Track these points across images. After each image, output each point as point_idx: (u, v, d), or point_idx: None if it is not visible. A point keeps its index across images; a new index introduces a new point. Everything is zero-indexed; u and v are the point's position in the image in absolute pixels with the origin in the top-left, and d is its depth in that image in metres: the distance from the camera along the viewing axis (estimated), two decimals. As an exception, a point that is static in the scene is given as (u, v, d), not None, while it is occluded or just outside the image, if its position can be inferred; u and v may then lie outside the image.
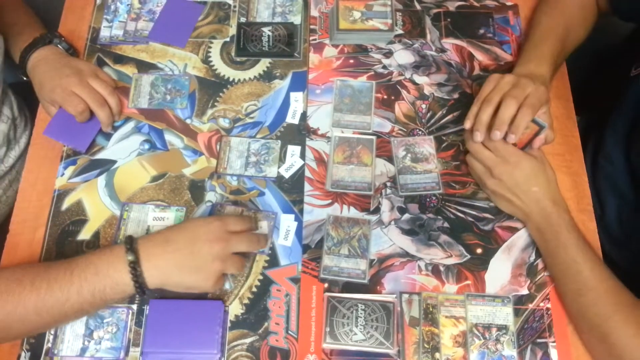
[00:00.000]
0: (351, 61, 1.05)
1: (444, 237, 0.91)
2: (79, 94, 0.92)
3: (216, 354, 0.81)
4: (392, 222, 0.92)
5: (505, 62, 1.04)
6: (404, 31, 1.08)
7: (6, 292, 0.71)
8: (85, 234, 0.90)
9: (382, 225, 0.91)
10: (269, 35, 1.06)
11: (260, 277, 0.88)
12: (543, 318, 0.85)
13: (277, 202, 0.93)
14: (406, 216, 0.92)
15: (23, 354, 0.82)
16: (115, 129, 0.99)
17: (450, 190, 0.94)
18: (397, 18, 1.08)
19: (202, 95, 1.02)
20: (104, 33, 1.07)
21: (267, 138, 0.98)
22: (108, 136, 0.98)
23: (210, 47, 1.06)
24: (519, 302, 0.86)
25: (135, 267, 0.74)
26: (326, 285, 0.87)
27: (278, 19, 1.09)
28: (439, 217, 0.92)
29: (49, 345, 0.83)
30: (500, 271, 0.88)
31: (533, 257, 0.89)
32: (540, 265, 0.88)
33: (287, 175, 0.95)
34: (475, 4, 1.11)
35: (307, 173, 0.95)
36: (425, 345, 0.83)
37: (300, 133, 0.98)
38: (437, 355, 0.82)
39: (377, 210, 0.92)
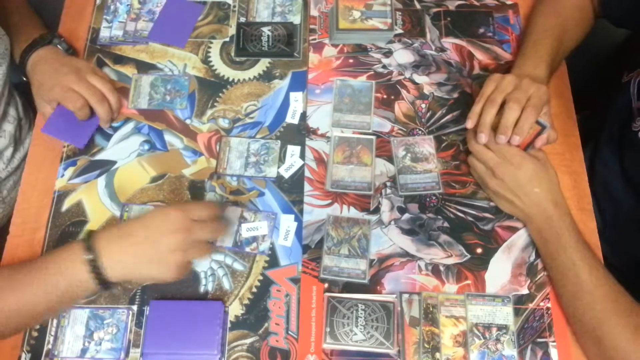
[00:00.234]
0: (351, 61, 1.05)
1: (444, 237, 0.91)
2: (77, 90, 0.92)
3: (216, 354, 0.81)
4: (392, 222, 0.91)
5: (505, 61, 1.04)
6: (403, 30, 1.07)
7: None
8: (85, 235, 0.90)
9: (382, 225, 0.91)
10: (268, 35, 1.06)
11: (260, 278, 0.88)
12: (543, 318, 0.85)
13: (277, 203, 0.93)
14: (406, 216, 0.92)
15: (23, 355, 0.83)
16: (115, 129, 0.99)
17: (450, 190, 0.94)
18: (396, 17, 1.08)
19: (202, 96, 1.02)
20: (104, 33, 1.07)
21: (266, 138, 0.98)
22: (108, 137, 0.98)
23: (209, 47, 1.06)
24: (519, 301, 0.86)
25: (95, 265, 0.73)
26: (326, 285, 0.87)
27: (278, 19, 1.09)
28: (439, 216, 0.92)
29: (50, 346, 0.83)
30: (500, 271, 0.88)
31: (533, 256, 0.89)
32: (540, 265, 0.88)
33: (286, 175, 0.95)
34: (475, 3, 1.11)
35: (307, 173, 0.95)
36: (426, 345, 0.83)
37: (300, 133, 0.98)
38: (437, 355, 0.82)
39: (377, 210, 0.92)
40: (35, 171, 0.96)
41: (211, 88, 1.02)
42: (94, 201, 0.93)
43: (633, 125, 0.89)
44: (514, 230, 0.91)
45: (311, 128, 0.99)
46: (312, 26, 1.08)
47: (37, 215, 0.92)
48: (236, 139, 0.98)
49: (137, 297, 0.86)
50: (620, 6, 0.94)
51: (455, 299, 0.86)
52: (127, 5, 1.10)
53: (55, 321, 0.84)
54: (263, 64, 1.05)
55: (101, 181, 0.95)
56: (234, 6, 1.10)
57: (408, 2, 1.10)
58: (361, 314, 0.84)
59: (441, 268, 0.88)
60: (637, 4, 0.90)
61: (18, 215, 0.92)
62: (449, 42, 1.07)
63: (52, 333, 0.84)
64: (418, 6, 1.10)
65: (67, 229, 0.91)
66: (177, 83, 1.03)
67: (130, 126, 0.99)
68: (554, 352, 0.83)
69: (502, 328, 0.84)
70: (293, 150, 0.97)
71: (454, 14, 1.09)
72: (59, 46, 1.00)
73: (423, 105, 1.01)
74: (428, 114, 1.00)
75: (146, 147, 0.97)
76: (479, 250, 0.90)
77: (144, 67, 1.04)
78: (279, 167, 0.95)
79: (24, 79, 0.99)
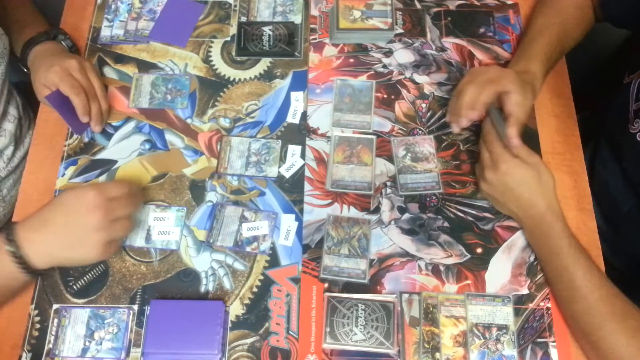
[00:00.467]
0: (351, 60, 1.05)
1: (444, 237, 0.91)
2: (76, 77, 0.92)
3: (217, 354, 0.81)
4: (392, 222, 0.92)
5: (506, 60, 1.04)
6: (404, 30, 1.07)
7: None
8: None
9: (382, 225, 0.91)
10: (269, 35, 1.06)
11: (261, 277, 0.88)
12: (543, 317, 0.85)
13: (278, 202, 0.93)
14: (406, 216, 0.92)
15: (24, 354, 0.83)
16: (115, 129, 0.99)
17: (450, 190, 0.94)
18: (397, 17, 1.08)
19: (203, 95, 1.02)
20: (105, 32, 1.07)
21: (267, 138, 0.98)
22: (109, 136, 0.98)
23: (210, 47, 1.06)
24: (519, 301, 0.86)
25: (18, 256, 0.74)
26: (326, 285, 0.87)
27: (278, 18, 1.09)
28: (439, 216, 0.92)
29: (50, 346, 0.83)
30: (500, 271, 0.88)
31: (533, 256, 0.89)
32: (540, 265, 0.89)
33: (287, 175, 0.95)
34: (476, 2, 1.11)
35: (307, 173, 0.95)
36: (426, 345, 0.83)
37: (301, 132, 0.98)
38: (437, 355, 0.82)
39: (377, 210, 0.92)
40: (36, 170, 0.96)
41: (212, 87, 1.03)
42: (95, 200, 0.93)
43: (631, 127, 0.89)
44: (514, 230, 0.91)
45: (312, 128, 0.99)
46: (312, 26, 1.08)
47: (38, 215, 0.92)
48: (237, 138, 0.98)
49: (138, 296, 0.87)
50: (619, 6, 0.94)
51: (455, 299, 0.86)
52: (128, 4, 1.10)
53: (56, 321, 0.85)
54: (264, 63, 1.05)
55: (102, 180, 0.95)
56: (235, 5, 1.10)
57: (408, 1, 1.10)
58: (361, 314, 0.84)
59: (441, 268, 0.89)
60: (636, 4, 0.90)
61: (19, 214, 0.92)
62: (449, 41, 1.07)
63: (53, 332, 0.84)
64: (418, 6, 1.10)
65: (67, 229, 0.91)
66: (178, 82, 1.03)
67: (131, 125, 0.99)
68: (554, 352, 0.83)
69: (502, 328, 0.84)
70: (294, 149, 0.97)
71: (454, 13, 1.09)
72: (62, 43, 1.00)
73: (423, 105, 1.01)
74: (428, 114, 1.00)
75: (147, 146, 0.98)
76: (479, 250, 0.90)
77: (145, 67, 1.04)
78: (279, 167, 0.96)
79: (25, 70, 0.98)
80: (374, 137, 0.98)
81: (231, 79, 1.03)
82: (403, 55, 1.05)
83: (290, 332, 0.84)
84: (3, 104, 0.99)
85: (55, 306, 0.86)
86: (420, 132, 0.99)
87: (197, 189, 0.94)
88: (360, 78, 1.03)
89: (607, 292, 0.78)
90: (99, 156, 0.97)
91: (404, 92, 1.02)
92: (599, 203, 0.99)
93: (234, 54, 1.05)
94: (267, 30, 1.07)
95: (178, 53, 1.06)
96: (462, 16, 1.09)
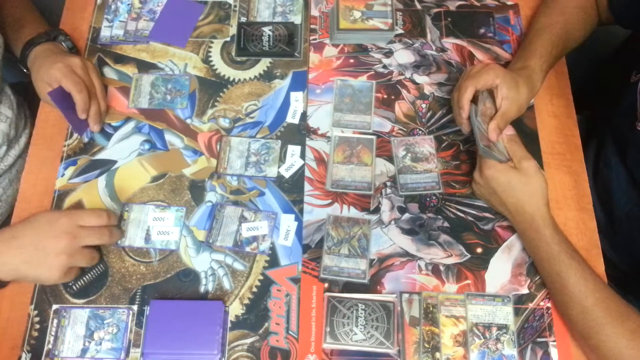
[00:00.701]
0: (351, 61, 1.05)
1: (444, 237, 0.91)
2: (78, 74, 0.92)
3: (216, 354, 0.81)
4: (392, 222, 0.92)
5: (506, 61, 1.04)
6: (404, 31, 1.08)
7: None
8: None
9: (382, 225, 0.91)
10: (269, 35, 1.06)
11: (261, 277, 0.88)
12: (543, 317, 0.85)
13: (277, 202, 0.93)
14: (406, 216, 0.92)
15: (24, 355, 0.83)
16: (115, 129, 0.99)
17: (450, 190, 0.94)
18: (397, 17, 1.08)
19: (202, 95, 1.02)
20: (105, 33, 1.07)
21: (267, 138, 0.98)
22: (108, 136, 0.98)
23: (210, 47, 1.06)
24: (519, 301, 0.86)
25: None
26: (326, 285, 0.87)
27: (278, 19, 1.09)
28: (439, 216, 0.92)
29: (50, 346, 0.83)
30: (500, 270, 0.88)
31: (533, 256, 0.89)
32: (541, 265, 0.88)
33: (287, 175, 0.95)
34: (476, 3, 1.11)
35: (307, 173, 0.95)
36: (426, 345, 0.83)
37: (301, 133, 0.98)
38: (437, 354, 0.82)
39: (377, 210, 0.92)
40: (35, 170, 0.96)
41: (212, 88, 1.03)
42: (94, 201, 0.93)
43: (638, 126, 0.88)
44: (514, 230, 0.90)
45: (311, 128, 0.99)
46: (312, 26, 1.08)
47: (38, 215, 0.92)
48: (237, 138, 0.98)
49: (138, 296, 0.86)
50: (629, 9, 0.93)
51: (455, 298, 0.86)
52: (128, 4, 1.10)
53: (55, 321, 0.84)
54: (264, 63, 1.05)
55: (101, 181, 0.95)
56: (235, 6, 1.10)
57: (409, 2, 1.10)
58: (361, 313, 0.84)
59: (441, 268, 0.89)
60: None
61: (18, 214, 0.92)
62: (449, 42, 1.07)
63: (53, 333, 0.84)
64: (419, 6, 1.10)
65: (67, 229, 0.91)
66: (178, 83, 1.03)
67: (130, 126, 0.99)
68: (554, 352, 0.83)
69: (502, 328, 0.84)
70: (293, 150, 0.97)
71: (454, 14, 1.09)
72: (63, 44, 1.00)
73: (423, 105, 1.01)
74: (428, 114, 1.00)
75: (147, 146, 0.97)
76: (479, 250, 0.90)
77: (144, 67, 1.04)
78: (279, 167, 0.95)
79: (25, 70, 0.98)
80: (374, 137, 0.98)
81: (231, 79, 1.03)
82: (403, 56, 1.05)
83: (289, 332, 0.84)
84: None
85: (54, 306, 0.86)
86: (420, 132, 0.99)
87: (197, 189, 0.94)
88: (360, 78, 1.03)
89: (602, 295, 0.78)
90: (99, 156, 0.97)
91: (404, 92, 1.02)
92: (601, 202, 0.99)
93: (233, 54, 1.05)
94: (267, 30, 1.07)
95: (178, 53, 1.06)
96: (462, 17, 1.09)
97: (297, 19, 1.08)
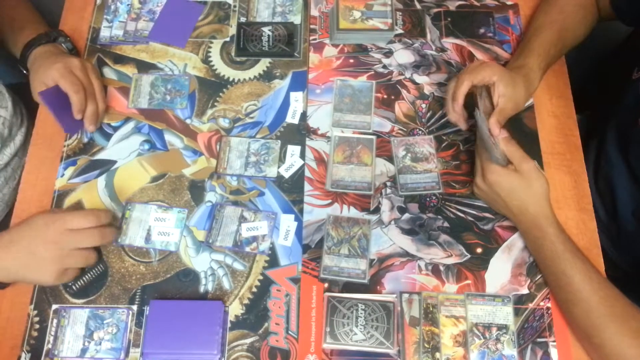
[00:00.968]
0: (351, 61, 1.05)
1: (444, 237, 0.91)
2: (77, 75, 0.92)
3: (216, 354, 0.81)
4: (392, 222, 0.91)
5: (506, 61, 1.04)
6: (404, 31, 1.07)
7: None
8: None
9: (382, 225, 0.91)
10: (269, 35, 1.06)
11: (260, 277, 0.88)
12: (543, 317, 0.85)
13: (277, 202, 0.93)
14: (406, 216, 0.92)
15: (23, 355, 0.83)
16: (115, 129, 0.99)
17: (450, 190, 0.94)
18: (397, 17, 1.08)
19: (202, 95, 1.02)
20: (104, 33, 1.07)
21: (267, 138, 0.98)
22: (108, 136, 0.98)
23: (210, 47, 1.06)
24: (519, 301, 0.86)
25: None
26: (326, 285, 0.87)
27: (278, 19, 1.09)
28: (439, 216, 0.92)
29: (49, 346, 0.83)
30: (500, 270, 0.88)
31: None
32: (541, 265, 0.88)
33: (287, 175, 0.95)
34: (476, 3, 1.11)
35: (307, 173, 0.95)
36: (426, 345, 0.82)
37: (300, 133, 0.98)
38: (437, 355, 0.82)
39: (377, 210, 0.92)
40: (35, 170, 0.96)
41: (211, 88, 1.02)
42: (94, 201, 0.93)
43: (639, 122, 0.88)
44: (514, 230, 0.91)
45: (311, 128, 0.99)
46: (312, 26, 1.08)
47: (37, 215, 0.92)
48: (236, 138, 0.98)
49: (137, 296, 0.86)
50: (632, 6, 0.93)
51: (455, 298, 0.86)
52: (128, 5, 1.10)
53: (55, 321, 0.84)
54: (263, 63, 1.05)
55: (101, 181, 0.94)
56: (235, 6, 1.10)
57: (408, 2, 1.10)
58: (361, 313, 0.84)
59: (441, 268, 0.88)
60: None
61: (18, 214, 0.92)
62: (449, 42, 1.07)
63: (52, 333, 0.84)
64: (418, 6, 1.10)
65: (67, 229, 0.91)
66: (178, 83, 1.03)
67: (130, 126, 0.99)
68: (554, 352, 0.83)
69: (502, 328, 0.84)
70: (293, 150, 0.97)
71: (454, 14, 1.09)
72: (63, 45, 1.00)
73: (423, 105, 1.01)
74: (428, 114, 1.00)
75: (146, 146, 0.97)
76: (479, 250, 0.90)
77: (144, 67, 1.04)
78: (279, 167, 0.95)
79: (25, 71, 0.98)
80: (374, 137, 0.98)
81: (230, 79, 1.03)
82: (403, 56, 1.05)
83: (289, 332, 0.84)
84: None
85: (54, 306, 0.86)
86: (420, 132, 0.98)
87: (197, 189, 0.94)
88: (360, 78, 1.03)
89: (607, 294, 0.78)
90: (98, 156, 0.97)
91: (404, 92, 1.02)
92: (603, 201, 0.99)
93: (233, 54, 1.05)
94: (266, 30, 1.07)
95: (177, 53, 1.06)
96: (462, 17, 1.09)
97: (296, 19, 1.08)
